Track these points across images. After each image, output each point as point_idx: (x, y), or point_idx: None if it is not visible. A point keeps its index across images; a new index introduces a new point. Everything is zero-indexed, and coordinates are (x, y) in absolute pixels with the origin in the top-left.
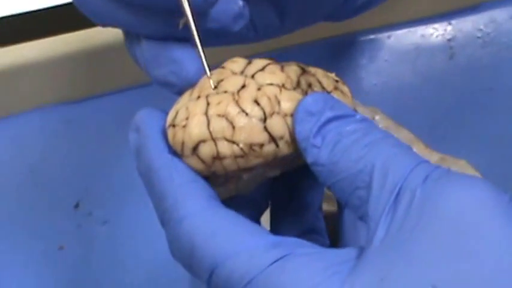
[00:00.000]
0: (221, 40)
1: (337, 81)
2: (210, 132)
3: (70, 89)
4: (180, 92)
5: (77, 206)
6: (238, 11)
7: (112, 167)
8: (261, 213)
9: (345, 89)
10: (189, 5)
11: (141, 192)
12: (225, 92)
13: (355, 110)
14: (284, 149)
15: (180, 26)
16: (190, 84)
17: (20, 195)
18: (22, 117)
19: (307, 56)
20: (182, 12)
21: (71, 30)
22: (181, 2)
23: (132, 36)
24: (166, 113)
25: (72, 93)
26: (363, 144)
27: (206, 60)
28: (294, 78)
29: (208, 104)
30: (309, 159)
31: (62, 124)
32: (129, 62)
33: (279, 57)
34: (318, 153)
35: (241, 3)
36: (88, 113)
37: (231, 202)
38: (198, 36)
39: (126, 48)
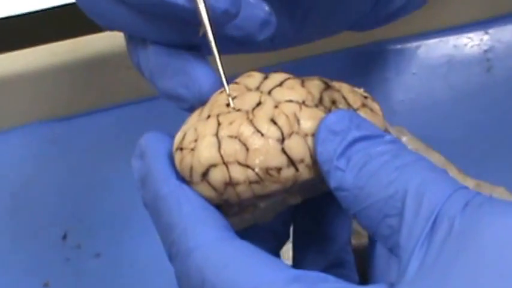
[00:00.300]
0: (238, 49)
1: (365, 97)
2: (221, 156)
3: (55, 105)
4: (190, 108)
5: (64, 237)
6: (265, 18)
7: (104, 193)
8: (282, 245)
9: (375, 106)
10: (207, 14)
11: (138, 222)
12: (239, 110)
13: (386, 130)
14: (305, 173)
15: (200, 34)
16: (203, 100)
17: (0, 225)
18: (1, 137)
19: (326, 68)
20: (200, 21)
21: (56, 40)
22: (199, 10)
23: (137, 40)
24: (173, 137)
25: (58, 110)
26: (393, 167)
27: (225, 73)
28: (316, 94)
29: (219, 124)
30: (332, 184)
31: (46, 144)
32: (123, 75)
33: (296, 69)
34: (342, 177)
35: (267, 8)
36: (76, 132)
37: (246, 233)
38: (216, 47)
39: (128, 54)
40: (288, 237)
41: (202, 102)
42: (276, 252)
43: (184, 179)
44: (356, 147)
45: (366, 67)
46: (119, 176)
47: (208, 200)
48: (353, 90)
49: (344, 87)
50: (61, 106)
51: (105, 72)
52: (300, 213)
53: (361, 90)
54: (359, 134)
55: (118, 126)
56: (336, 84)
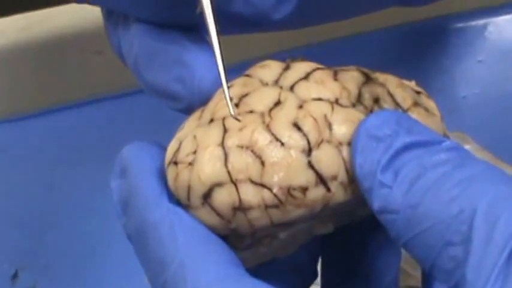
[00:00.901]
0: (245, 30)
1: (418, 93)
2: (229, 172)
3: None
4: (187, 110)
5: (15, 276)
6: None
7: (67, 219)
8: (307, 285)
9: (431, 104)
10: None
11: (115, 257)
12: (251, 112)
13: (446, 135)
14: (339, 193)
15: (198, 11)
16: (204, 99)
17: None
18: None
19: (364, 54)
20: None
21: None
22: None
23: (117, 17)
24: (164, 149)
25: (5, 109)
26: (456, 179)
27: (224, 62)
28: (354, 89)
29: (225, 130)
30: (376, 204)
31: None
32: (92, 62)
33: (325, 55)
34: (389, 195)
35: None
36: (29, 137)
37: (262, 270)
38: (216, 28)
39: (106, 34)
40: (316, 275)
41: (202, 101)
42: None
43: (179, 202)
44: (406, 156)
45: (417, 53)
46: (84, 196)
47: (212, 229)
48: (402, 84)
49: (390, 81)
50: (9, 105)
51: (66, 58)
52: (332, 245)
53: (413, 84)
54: (410, 139)
55: (84, 129)
56: (379, 76)
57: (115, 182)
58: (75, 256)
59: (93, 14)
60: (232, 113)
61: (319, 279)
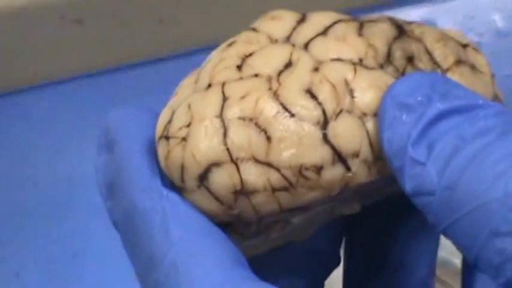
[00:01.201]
0: None
1: (464, 46)
2: (228, 149)
3: None
4: None
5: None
6: None
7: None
8: (328, 272)
9: (479, 59)
10: None
11: (91, 245)
12: (256, 75)
13: (497, 99)
14: (361, 173)
15: None
16: None
17: None
18: None
19: None
20: None
21: None
22: None
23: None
24: (157, 114)
25: None
26: (502, 152)
27: None
28: (382, 46)
29: (225, 98)
30: (408, 185)
31: None
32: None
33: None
34: (423, 174)
35: None
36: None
37: (274, 257)
38: None
39: None
40: (339, 261)
41: None
42: (320, 280)
43: (173, 183)
44: (441, 126)
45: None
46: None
47: (211, 216)
48: (443, 38)
49: (429, 34)
50: None
51: (42, 28)
52: (358, 228)
53: (458, 34)
54: (446, 105)
55: (63, 111)
56: (416, 28)
57: (100, 157)
58: (58, 247)
59: None
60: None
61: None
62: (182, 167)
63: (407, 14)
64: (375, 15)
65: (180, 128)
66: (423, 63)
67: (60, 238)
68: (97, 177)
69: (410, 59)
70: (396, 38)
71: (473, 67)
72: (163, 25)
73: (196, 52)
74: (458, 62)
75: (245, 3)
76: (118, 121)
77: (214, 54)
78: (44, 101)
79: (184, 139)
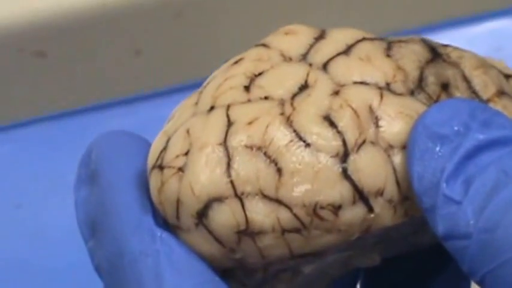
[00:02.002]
0: None
1: (508, 76)
2: (232, 182)
3: None
4: None
5: None
6: None
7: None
8: None
9: None
10: None
11: None
12: (266, 98)
13: None
14: (385, 214)
15: None
16: None
17: None
18: None
19: None
20: None
21: None
22: None
23: None
24: (149, 143)
25: None
26: None
27: None
28: (413, 70)
29: (230, 123)
30: (441, 227)
31: None
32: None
33: None
34: (458, 214)
35: None
36: None
37: None
38: None
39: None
40: None
41: None
42: None
43: (166, 222)
44: (481, 159)
45: None
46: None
47: (210, 260)
48: (484, 65)
49: (467, 59)
50: None
51: None
52: (377, 283)
53: (501, 64)
54: (486, 136)
55: (26, 155)
56: (452, 52)
57: (81, 192)
58: None
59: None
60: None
61: None
62: (178, 202)
63: None
64: (405, 36)
65: (177, 157)
66: (460, 91)
67: None
68: (77, 214)
69: (445, 86)
70: (430, 62)
71: None
72: (140, 58)
73: (180, 89)
74: (501, 92)
75: (241, 31)
76: (102, 149)
77: (218, 73)
78: (2, 145)
79: (181, 169)
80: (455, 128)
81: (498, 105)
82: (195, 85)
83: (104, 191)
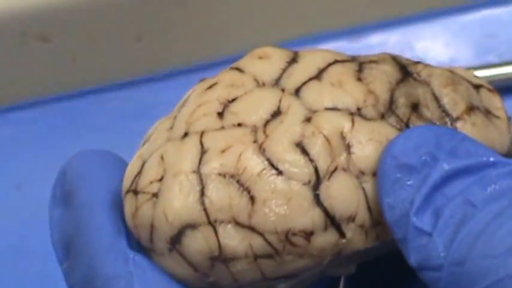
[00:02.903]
0: None
1: (477, 86)
2: (206, 209)
3: None
4: None
5: None
6: None
7: None
8: None
9: (494, 102)
10: None
11: None
12: (239, 125)
13: (511, 152)
14: (357, 239)
15: None
16: None
17: None
18: None
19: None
20: None
21: None
22: None
23: None
24: (125, 163)
25: None
26: None
27: None
28: (384, 93)
29: (203, 150)
30: (413, 258)
31: None
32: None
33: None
34: (429, 246)
35: None
36: None
37: None
38: None
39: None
40: None
41: None
42: None
43: (141, 246)
44: (449, 190)
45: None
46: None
47: (184, 283)
48: (453, 81)
49: (437, 76)
50: None
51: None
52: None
53: (470, 74)
54: (453, 165)
55: (25, 138)
56: (422, 69)
57: (55, 211)
58: None
59: None
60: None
61: None
62: (152, 228)
63: (416, 34)
64: (375, 55)
65: (151, 182)
66: (430, 111)
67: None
68: (51, 234)
69: (415, 106)
70: (400, 82)
71: (487, 112)
72: (141, 43)
73: (180, 73)
74: (470, 109)
75: (241, 19)
76: (77, 169)
77: (192, 97)
78: (3, 127)
79: (155, 195)
80: (423, 158)
81: (468, 123)
82: (197, 69)
83: (78, 212)
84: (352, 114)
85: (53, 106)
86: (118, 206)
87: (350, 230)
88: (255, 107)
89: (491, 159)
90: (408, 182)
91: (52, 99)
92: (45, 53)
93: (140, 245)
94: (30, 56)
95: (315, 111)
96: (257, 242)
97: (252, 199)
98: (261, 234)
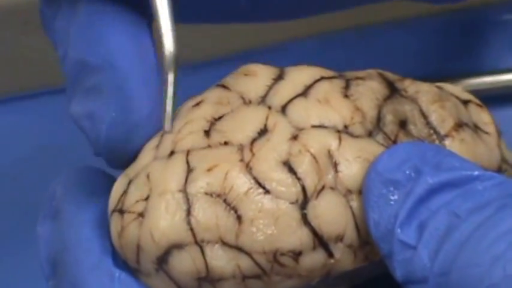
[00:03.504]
0: (212, 15)
1: (466, 102)
2: (192, 229)
3: None
4: (98, 155)
5: None
6: None
7: None
8: None
9: (483, 117)
10: None
11: None
12: (226, 143)
13: (504, 161)
14: (345, 259)
15: None
16: (113, 152)
17: None
18: None
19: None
20: None
21: None
22: None
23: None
24: (113, 180)
25: None
26: (500, 230)
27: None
28: (371, 109)
29: (189, 169)
30: (398, 272)
31: None
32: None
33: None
34: (414, 259)
35: None
36: None
37: None
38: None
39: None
40: None
41: (111, 154)
42: None
43: (126, 265)
44: (433, 203)
45: (449, 47)
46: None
47: None
48: (440, 98)
49: (424, 93)
50: None
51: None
52: None
53: (458, 90)
54: (437, 179)
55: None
56: (409, 85)
57: (43, 227)
58: None
59: None
60: (167, 128)
61: None
62: (138, 248)
63: None
64: (362, 71)
65: (137, 202)
66: (418, 128)
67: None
68: (39, 251)
69: (403, 124)
70: (387, 99)
71: (476, 128)
72: None
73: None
74: (458, 125)
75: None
76: (65, 186)
77: (179, 115)
78: (5, 116)
79: (141, 215)
80: (407, 173)
81: (456, 140)
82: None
83: (65, 229)
84: (339, 131)
85: (54, 96)
86: (105, 225)
87: (338, 250)
88: (242, 125)
89: (476, 172)
90: (393, 197)
91: (53, 91)
92: (48, 42)
93: (127, 264)
94: (32, 46)
95: (301, 129)
96: (245, 263)
97: (239, 218)
98: (248, 254)
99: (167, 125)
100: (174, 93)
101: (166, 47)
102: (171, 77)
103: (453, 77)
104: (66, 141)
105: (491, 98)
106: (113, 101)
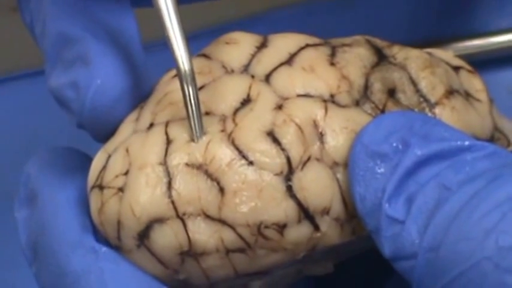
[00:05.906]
0: None
1: (457, 68)
2: (173, 202)
3: None
4: (79, 125)
5: None
6: None
7: None
8: None
9: (475, 84)
10: None
11: None
12: (207, 113)
13: (498, 130)
14: (332, 233)
15: None
16: (96, 120)
17: None
18: None
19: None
20: None
21: None
22: None
23: None
24: (90, 159)
25: None
26: (492, 202)
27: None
28: (358, 78)
29: (169, 140)
30: (386, 249)
31: None
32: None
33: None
34: (402, 234)
35: None
36: None
37: None
38: None
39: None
40: None
41: (95, 123)
42: None
43: (108, 241)
44: (422, 175)
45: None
46: None
47: (155, 278)
48: (431, 64)
49: (414, 59)
50: None
51: None
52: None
53: (449, 55)
54: (425, 151)
55: None
56: (398, 51)
57: (20, 212)
58: None
59: None
60: (198, 134)
61: None
62: (119, 223)
63: None
64: (349, 37)
65: (117, 176)
66: (407, 96)
67: None
68: (20, 237)
69: (391, 92)
70: (375, 66)
71: (467, 95)
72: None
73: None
74: (449, 92)
75: None
76: (39, 168)
77: (158, 86)
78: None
79: (121, 189)
80: (394, 145)
81: (447, 108)
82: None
83: (42, 211)
84: (325, 101)
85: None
86: (85, 202)
87: (325, 223)
88: (224, 94)
89: (466, 143)
90: (379, 170)
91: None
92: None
93: (108, 242)
94: (19, 31)
95: (286, 98)
96: (228, 236)
97: (222, 190)
98: (232, 227)
99: (195, 137)
100: (197, 104)
101: (180, 61)
102: (191, 90)
103: (443, 40)
104: (38, 126)
105: (483, 62)
106: (99, 67)
